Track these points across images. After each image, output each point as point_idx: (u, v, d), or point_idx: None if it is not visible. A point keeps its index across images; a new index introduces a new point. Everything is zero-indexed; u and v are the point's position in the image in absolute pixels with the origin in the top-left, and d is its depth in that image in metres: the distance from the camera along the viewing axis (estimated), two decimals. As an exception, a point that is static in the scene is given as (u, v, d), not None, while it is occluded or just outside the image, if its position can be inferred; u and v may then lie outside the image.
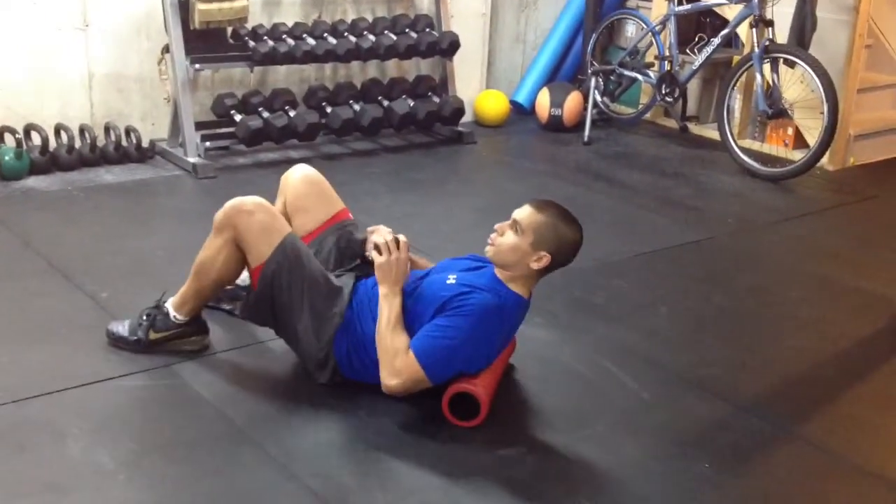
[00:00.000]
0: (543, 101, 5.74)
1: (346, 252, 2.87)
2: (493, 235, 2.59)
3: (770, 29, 4.93)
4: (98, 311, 3.05)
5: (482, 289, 2.52)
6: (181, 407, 2.58)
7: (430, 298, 2.55)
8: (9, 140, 4.31)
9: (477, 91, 5.86)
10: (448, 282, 2.57)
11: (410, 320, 2.56)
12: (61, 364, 2.73)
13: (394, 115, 5.03)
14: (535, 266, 2.55)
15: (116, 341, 2.81)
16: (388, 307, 2.54)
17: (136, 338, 2.78)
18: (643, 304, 3.42)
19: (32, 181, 4.28)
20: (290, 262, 2.60)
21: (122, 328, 2.81)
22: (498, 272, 2.59)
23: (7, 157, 4.25)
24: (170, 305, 2.78)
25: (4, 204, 4.01)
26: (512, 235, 2.55)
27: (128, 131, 4.62)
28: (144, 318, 2.79)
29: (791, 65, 4.90)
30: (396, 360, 2.48)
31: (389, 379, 2.50)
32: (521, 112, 6.00)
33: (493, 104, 5.79)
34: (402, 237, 2.65)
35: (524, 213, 2.57)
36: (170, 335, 2.78)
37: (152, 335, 2.78)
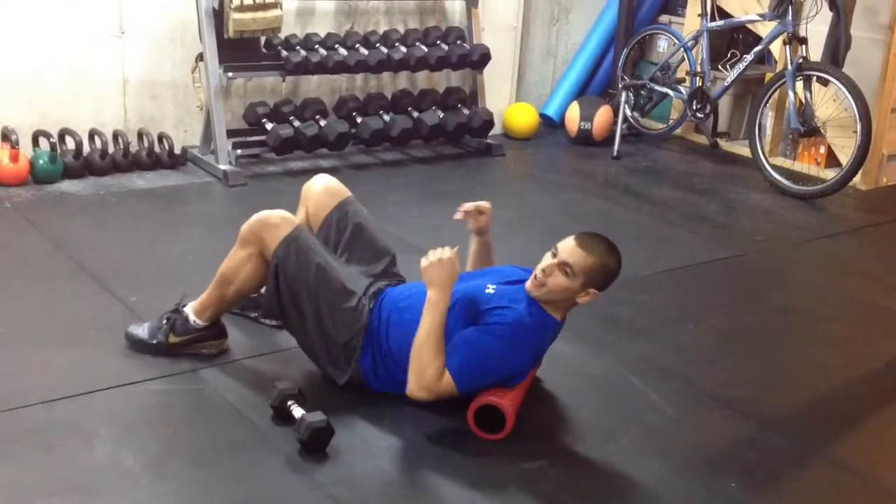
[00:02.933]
0: (573, 114, 5.73)
1: (340, 227, 2.85)
2: (539, 275, 2.52)
3: (804, 46, 4.91)
4: (127, 315, 3.07)
5: (518, 307, 2.52)
6: (206, 412, 2.60)
7: (467, 303, 2.55)
8: (43, 144, 4.37)
9: (506, 103, 5.87)
10: (487, 290, 2.57)
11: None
12: (89, 366, 2.76)
13: (423, 127, 5.04)
14: (581, 301, 2.56)
15: (135, 344, 2.83)
16: (432, 316, 2.48)
17: (155, 341, 2.81)
18: (670, 321, 3.40)
19: (66, 185, 4.34)
20: (295, 253, 2.60)
21: (141, 331, 2.84)
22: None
23: (41, 161, 4.31)
24: (189, 310, 2.80)
25: (38, 207, 4.06)
26: (562, 277, 2.50)
27: (160, 138, 4.67)
28: (165, 321, 2.81)
29: (824, 83, 4.86)
30: (427, 372, 2.46)
31: (418, 391, 2.48)
32: (551, 125, 6.00)
33: (523, 117, 5.79)
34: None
35: (574, 256, 2.50)
36: (189, 339, 2.81)
37: (172, 339, 2.80)
